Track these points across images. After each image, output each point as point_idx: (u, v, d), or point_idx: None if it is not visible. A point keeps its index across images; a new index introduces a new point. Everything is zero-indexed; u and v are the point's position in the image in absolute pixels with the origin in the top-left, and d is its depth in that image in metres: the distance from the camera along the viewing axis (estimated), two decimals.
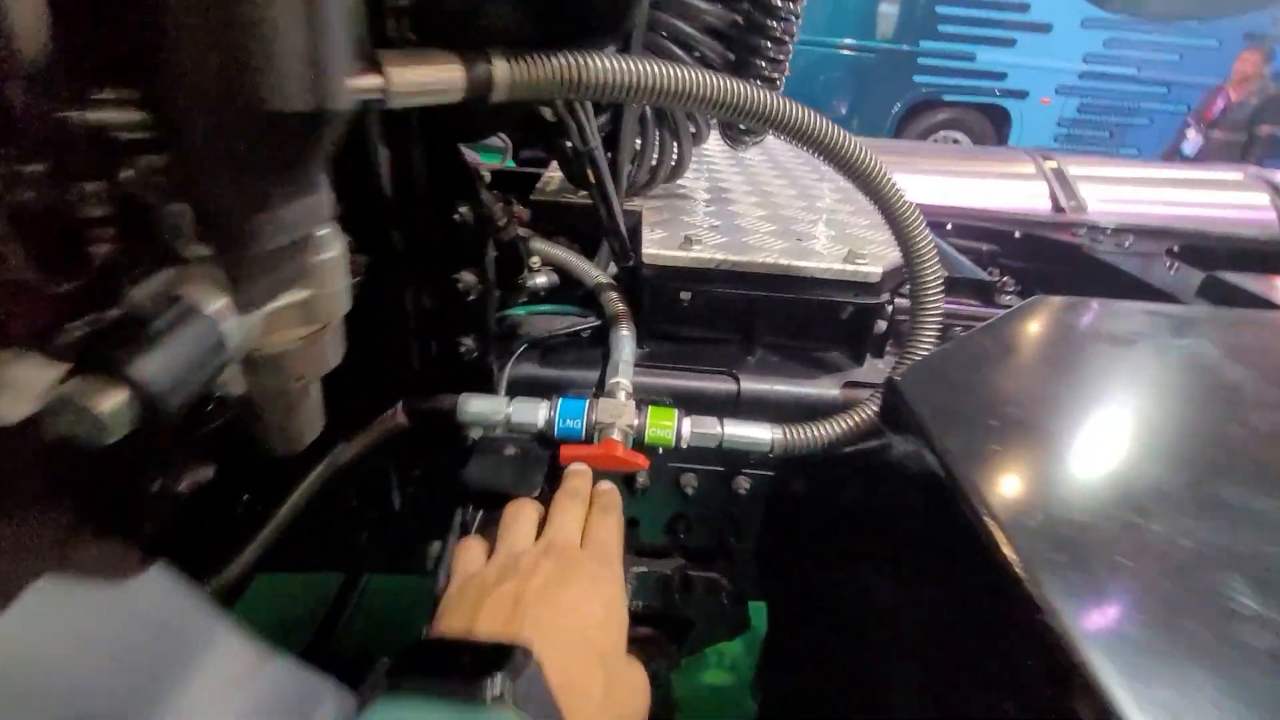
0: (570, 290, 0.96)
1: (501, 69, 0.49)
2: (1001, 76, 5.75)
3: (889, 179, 0.68)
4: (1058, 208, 1.63)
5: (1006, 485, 0.46)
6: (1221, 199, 1.56)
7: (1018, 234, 1.36)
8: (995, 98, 5.81)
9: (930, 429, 0.54)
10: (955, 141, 5.89)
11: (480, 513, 0.70)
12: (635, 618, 1.05)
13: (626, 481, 0.86)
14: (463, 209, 0.66)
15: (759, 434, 0.73)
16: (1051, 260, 1.30)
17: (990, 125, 5.91)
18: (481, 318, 0.72)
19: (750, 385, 0.83)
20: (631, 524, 0.93)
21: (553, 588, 0.48)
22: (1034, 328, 0.72)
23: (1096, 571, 0.38)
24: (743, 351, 0.88)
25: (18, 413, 0.30)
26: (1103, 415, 0.56)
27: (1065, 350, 0.68)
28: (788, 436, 0.72)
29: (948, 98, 5.82)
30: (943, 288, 0.72)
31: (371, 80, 0.43)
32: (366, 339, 0.67)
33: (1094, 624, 0.34)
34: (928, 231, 0.70)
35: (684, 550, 0.96)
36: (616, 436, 0.69)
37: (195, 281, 0.37)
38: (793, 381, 0.84)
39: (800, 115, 0.61)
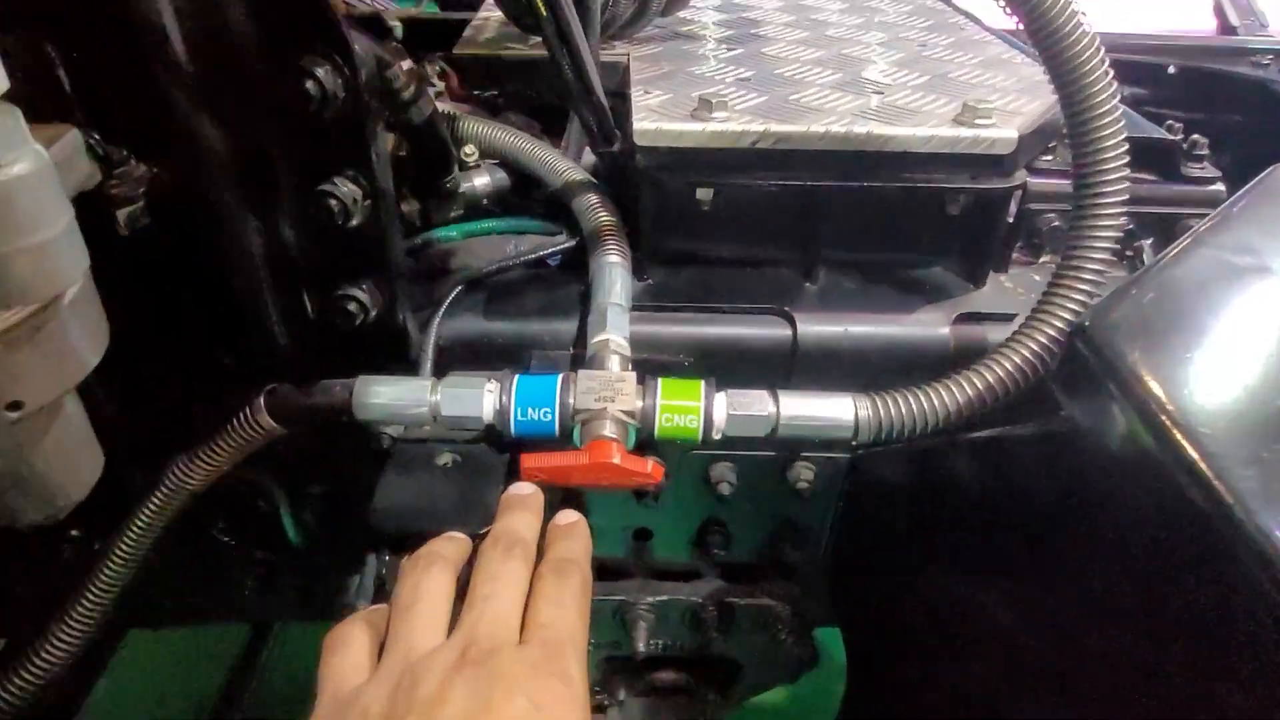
0: (528, 195, 0.75)
1: None
2: None
3: None
4: (1227, 27, 1.39)
5: None
6: None
7: (1171, 68, 1.13)
8: None
9: (1179, 422, 0.36)
10: None
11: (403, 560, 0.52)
12: (655, 663, 0.91)
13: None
14: (319, 71, 0.45)
15: (837, 412, 0.53)
16: (1225, 104, 1.07)
17: None
18: (376, 251, 0.52)
19: (812, 327, 0.64)
20: (641, 537, 0.76)
21: None
22: None
23: None
24: (800, 276, 0.68)
25: None
26: None
27: None
28: (882, 411, 0.53)
29: None
30: (1126, 156, 0.52)
31: None
32: (189, 302, 0.49)
33: None
34: (1102, 56, 0.49)
35: (722, 568, 0.79)
36: (610, 433, 0.51)
37: None
38: (877, 317, 0.64)
39: None
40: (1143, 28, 1.23)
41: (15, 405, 0.32)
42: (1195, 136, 0.75)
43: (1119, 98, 0.51)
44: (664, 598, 0.78)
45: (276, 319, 0.54)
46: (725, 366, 0.64)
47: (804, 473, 0.69)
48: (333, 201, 0.49)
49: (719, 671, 0.85)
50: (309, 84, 0.46)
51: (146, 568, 0.60)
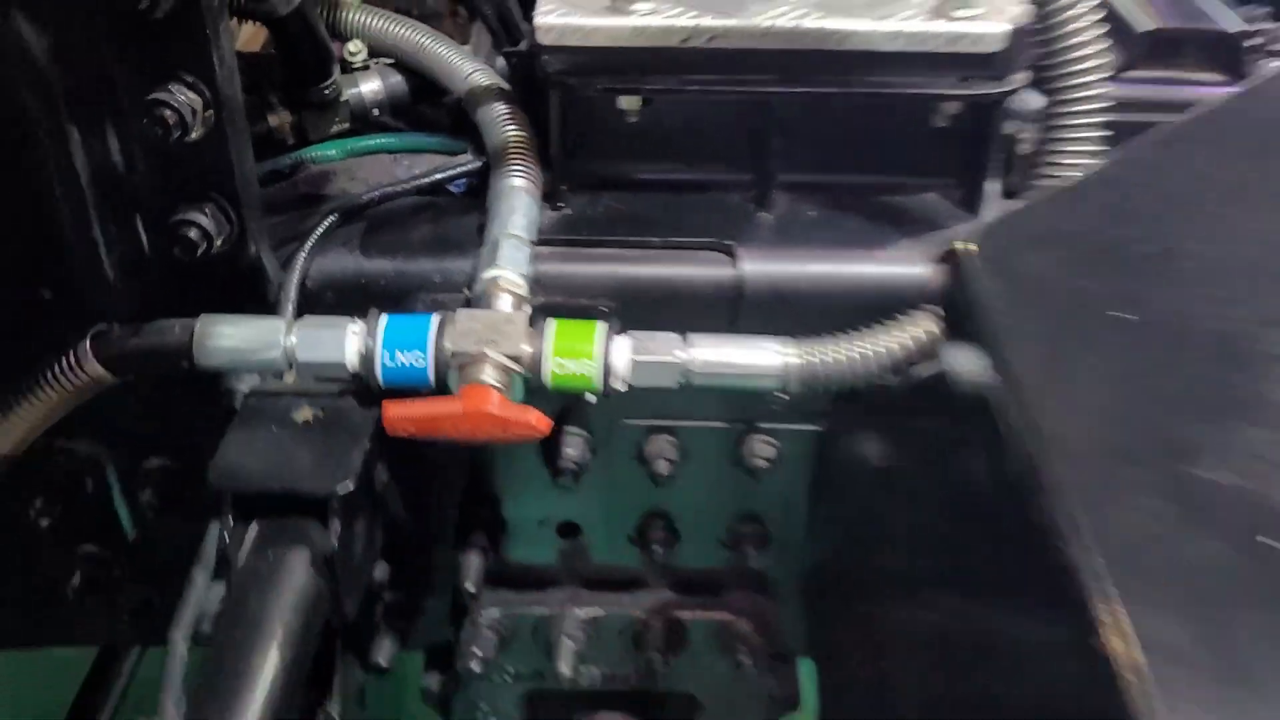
0: (427, 104, 0.90)
1: None
2: None
3: None
4: None
5: None
6: None
7: None
8: None
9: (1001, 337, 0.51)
10: None
11: (251, 528, 0.67)
12: (588, 698, 1.05)
13: (544, 454, 0.83)
14: None
15: (760, 358, 0.68)
16: None
17: None
18: (221, 170, 0.67)
19: (761, 266, 0.78)
20: (568, 534, 0.91)
21: None
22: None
23: None
24: (750, 203, 0.82)
25: None
26: None
27: None
28: (811, 359, 0.68)
29: None
30: (1106, 53, 0.66)
31: None
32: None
33: None
34: None
35: (672, 577, 0.94)
36: (489, 379, 0.65)
37: None
38: (842, 253, 0.78)
39: None
40: None
41: None
42: (1269, 26, 0.88)
43: None
44: (597, 611, 0.93)
45: (105, 248, 0.69)
46: (654, 313, 0.78)
47: (761, 448, 0.83)
48: (167, 111, 0.64)
49: (671, 713, 1.00)
50: None
51: None
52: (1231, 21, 0.91)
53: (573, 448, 0.84)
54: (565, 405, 0.82)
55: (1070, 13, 0.65)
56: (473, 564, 0.88)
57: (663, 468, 0.84)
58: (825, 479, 0.85)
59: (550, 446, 0.83)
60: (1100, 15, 0.65)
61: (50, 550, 0.85)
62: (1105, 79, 0.66)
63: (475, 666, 0.92)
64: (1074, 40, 0.65)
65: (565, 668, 0.92)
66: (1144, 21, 0.89)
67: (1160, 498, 0.46)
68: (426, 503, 0.87)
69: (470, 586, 0.87)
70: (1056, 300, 0.55)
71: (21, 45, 0.61)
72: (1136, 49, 0.87)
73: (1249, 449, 0.47)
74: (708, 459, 0.85)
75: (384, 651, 0.90)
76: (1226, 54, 0.88)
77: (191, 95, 0.65)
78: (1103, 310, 0.53)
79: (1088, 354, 0.54)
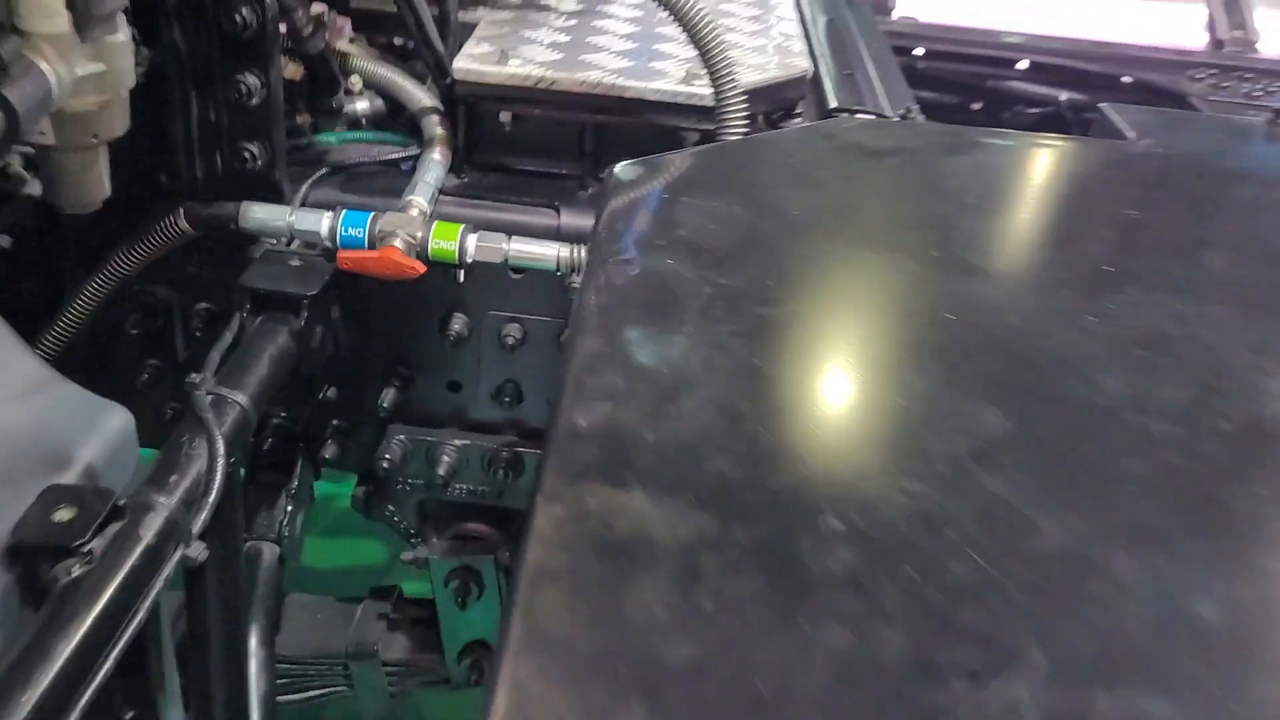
0: (399, 118, 1.47)
1: None
2: None
3: None
4: (1216, 41, 2.09)
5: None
6: None
7: (1127, 78, 1.82)
8: None
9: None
10: None
11: (259, 318, 1.21)
12: (455, 508, 1.56)
13: (441, 326, 1.36)
14: (244, 10, 1.17)
15: (545, 250, 1.23)
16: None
17: None
18: (266, 125, 1.24)
19: (573, 219, 1.33)
20: (454, 389, 1.44)
21: None
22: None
23: None
24: (575, 186, 1.38)
25: None
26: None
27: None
28: (576, 255, 1.22)
29: None
30: (744, 113, 1.22)
31: None
32: (151, 140, 1.20)
33: None
34: (719, 37, 1.20)
35: (518, 424, 1.47)
36: (398, 244, 1.20)
37: (34, 48, 0.90)
38: None
39: None
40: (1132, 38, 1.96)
41: (95, 136, 1.03)
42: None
43: (729, 63, 1.21)
44: (466, 442, 1.46)
45: (199, 159, 1.25)
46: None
47: None
48: (242, 87, 1.21)
49: (515, 525, 1.52)
50: (237, 16, 1.18)
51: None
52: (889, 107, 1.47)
53: (458, 324, 1.37)
54: (455, 298, 1.36)
55: (717, 69, 1.21)
56: (389, 395, 1.41)
57: (510, 340, 1.37)
58: None
59: (444, 323, 1.37)
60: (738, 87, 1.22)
61: (132, 353, 1.39)
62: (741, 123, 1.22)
63: (385, 466, 1.43)
64: (722, 82, 1.21)
65: (441, 472, 1.44)
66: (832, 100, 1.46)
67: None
68: (362, 353, 1.41)
69: (386, 405, 1.40)
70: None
71: (173, 41, 1.18)
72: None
73: None
74: (542, 342, 1.37)
75: (330, 450, 1.44)
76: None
77: (255, 80, 1.21)
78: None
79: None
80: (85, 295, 1.27)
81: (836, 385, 0.81)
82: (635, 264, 0.90)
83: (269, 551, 1.40)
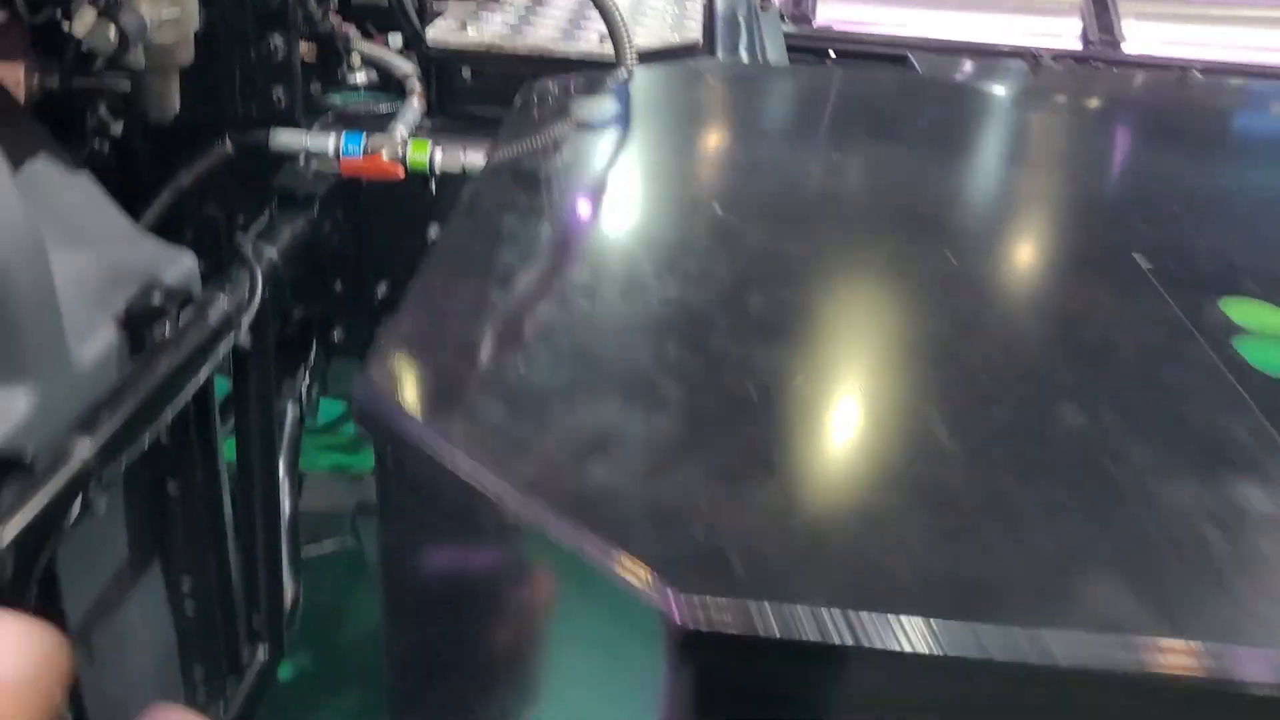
0: (391, 87, 1.94)
1: None
2: None
3: None
4: (1087, 41, 2.54)
5: None
6: None
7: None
8: None
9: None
10: None
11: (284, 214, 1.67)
12: None
13: (421, 232, 1.81)
14: None
15: None
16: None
17: None
18: (288, 75, 1.70)
19: None
20: None
21: None
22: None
23: None
24: None
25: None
26: None
27: None
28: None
29: None
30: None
31: None
32: (205, 84, 1.67)
33: None
34: (617, 12, 1.66)
35: None
36: (384, 154, 1.66)
37: None
38: None
39: None
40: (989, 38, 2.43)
41: (173, 63, 1.50)
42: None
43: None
44: None
45: (240, 95, 1.71)
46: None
47: None
48: (268, 45, 1.68)
49: None
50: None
51: None
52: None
53: (434, 231, 1.82)
54: (432, 209, 1.81)
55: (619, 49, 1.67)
56: (383, 287, 1.86)
57: None
58: None
59: (423, 230, 1.83)
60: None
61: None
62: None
63: None
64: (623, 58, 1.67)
65: None
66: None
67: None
68: (361, 254, 1.86)
69: (380, 296, 1.85)
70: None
71: (222, 8, 1.65)
72: None
73: None
74: None
75: (338, 334, 1.89)
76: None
77: (280, 42, 1.68)
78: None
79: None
80: (156, 206, 1.72)
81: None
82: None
83: (292, 410, 1.84)
